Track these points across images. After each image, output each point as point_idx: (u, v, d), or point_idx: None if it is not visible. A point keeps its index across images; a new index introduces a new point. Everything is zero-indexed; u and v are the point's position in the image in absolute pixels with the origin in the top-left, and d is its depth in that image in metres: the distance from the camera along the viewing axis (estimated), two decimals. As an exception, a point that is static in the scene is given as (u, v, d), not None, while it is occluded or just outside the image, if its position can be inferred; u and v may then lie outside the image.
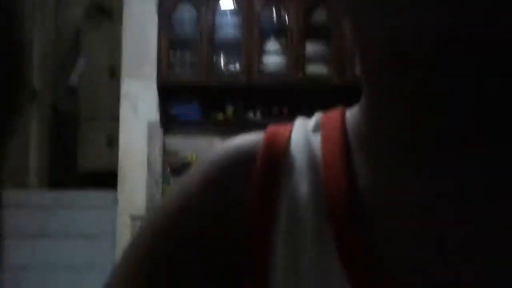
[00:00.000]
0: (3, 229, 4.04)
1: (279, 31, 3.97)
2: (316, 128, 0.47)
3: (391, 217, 0.41)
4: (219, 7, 3.98)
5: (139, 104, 4.10)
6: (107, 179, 4.50)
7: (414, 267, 0.39)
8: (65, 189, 5.16)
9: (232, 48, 3.98)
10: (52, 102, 5.71)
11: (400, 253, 0.39)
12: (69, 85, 5.95)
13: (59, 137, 6.14)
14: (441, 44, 0.35)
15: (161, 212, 0.48)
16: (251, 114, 4.00)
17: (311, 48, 3.92)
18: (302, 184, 0.44)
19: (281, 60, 3.93)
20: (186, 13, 3.99)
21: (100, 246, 4.30)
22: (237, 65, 3.96)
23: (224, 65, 4.00)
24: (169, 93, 4.02)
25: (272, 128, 0.48)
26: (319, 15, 3.97)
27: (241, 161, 0.46)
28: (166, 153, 4.09)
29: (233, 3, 3.99)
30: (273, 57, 3.94)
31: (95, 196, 4.42)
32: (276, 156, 0.45)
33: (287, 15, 3.95)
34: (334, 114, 0.48)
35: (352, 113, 0.47)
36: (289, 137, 0.47)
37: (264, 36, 3.95)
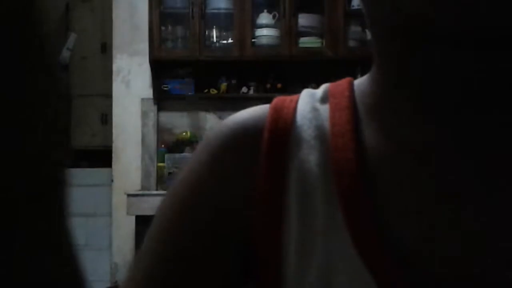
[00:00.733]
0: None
1: (272, 4, 3.92)
2: (324, 98, 0.47)
3: (399, 184, 0.41)
4: (210, -20, 3.94)
5: (131, 81, 4.07)
6: (101, 156, 4.49)
7: (420, 234, 0.40)
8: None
9: (224, 22, 3.94)
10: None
11: (407, 219, 0.40)
12: (60, 61, 5.90)
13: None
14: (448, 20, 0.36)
15: (171, 197, 0.48)
16: (244, 89, 3.98)
17: (303, 21, 3.88)
18: (311, 155, 0.44)
19: (273, 33, 3.90)
20: (177, -13, 3.93)
21: (96, 223, 4.30)
22: (230, 39, 3.92)
23: (216, 39, 3.96)
24: (161, 68, 3.99)
25: (278, 100, 0.48)
26: (312, -13, 3.93)
27: (248, 135, 0.46)
28: (159, 129, 4.07)
29: (225, -24, 3.94)
30: (265, 30, 3.90)
31: (90, 174, 4.41)
32: (283, 128, 0.45)
33: (280, -12, 3.91)
34: (342, 84, 0.48)
35: (361, 83, 0.47)
36: (295, 108, 0.46)
37: (256, 9, 3.91)
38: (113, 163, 4.07)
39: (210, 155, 0.46)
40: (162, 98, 4.05)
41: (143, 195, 3.67)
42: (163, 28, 3.90)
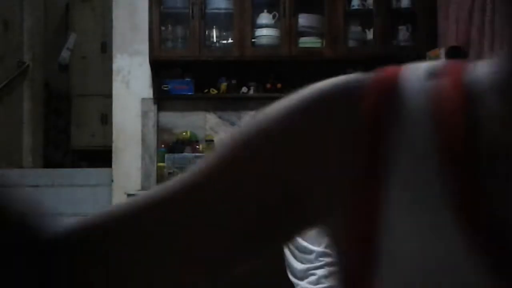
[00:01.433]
0: None
1: (272, 4, 3.92)
2: (431, 75, 0.46)
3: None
4: (210, -20, 3.93)
5: (131, 80, 4.06)
6: (101, 156, 4.49)
7: None
8: (60, 167, 5.14)
9: (224, 22, 3.94)
10: (44, 79, 5.66)
11: None
12: (60, 61, 5.89)
13: (52, 114, 6.09)
14: None
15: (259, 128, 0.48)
16: (244, 89, 3.98)
17: (303, 21, 3.88)
18: (417, 130, 0.43)
19: (273, 33, 3.90)
20: (177, -13, 3.93)
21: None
22: (230, 39, 3.92)
23: (216, 39, 3.96)
24: (161, 68, 3.99)
25: (382, 71, 0.47)
26: (312, -13, 3.92)
27: (348, 94, 0.46)
28: (159, 129, 4.07)
29: (225, -24, 3.94)
30: (265, 30, 3.90)
31: (90, 174, 4.41)
32: (389, 97, 0.45)
33: (280, -13, 3.91)
34: (454, 64, 0.47)
35: (479, 65, 0.46)
36: (399, 81, 0.46)
37: (256, 9, 3.91)
38: (113, 163, 4.07)
39: (305, 100, 0.47)
40: (162, 98, 4.04)
41: (143, 195, 3.67)
42: (163, 28, 3.89)
